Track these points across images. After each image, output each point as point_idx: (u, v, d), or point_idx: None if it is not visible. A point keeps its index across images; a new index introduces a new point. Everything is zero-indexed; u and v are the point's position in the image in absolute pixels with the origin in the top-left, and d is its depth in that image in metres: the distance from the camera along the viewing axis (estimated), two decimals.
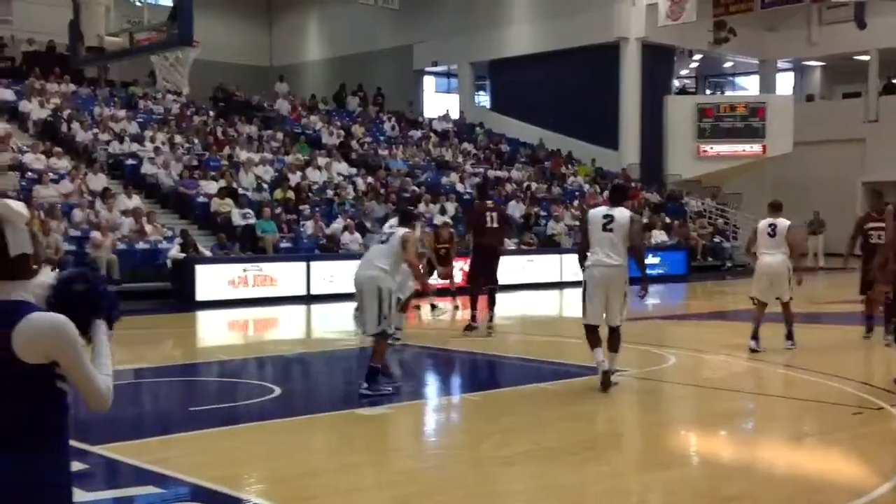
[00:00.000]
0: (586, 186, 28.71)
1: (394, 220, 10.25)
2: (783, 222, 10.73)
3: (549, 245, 23.46)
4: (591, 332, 8.52)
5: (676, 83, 36.50)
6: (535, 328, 15.12)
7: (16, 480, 2.49)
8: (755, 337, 10.76)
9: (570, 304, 19.50)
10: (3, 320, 2.52)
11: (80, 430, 7.32)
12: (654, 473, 6.36)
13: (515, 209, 24.97)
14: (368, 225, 20.18)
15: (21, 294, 2.60)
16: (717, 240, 28.29)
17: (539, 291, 20.48)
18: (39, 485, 2.53)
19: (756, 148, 31.66)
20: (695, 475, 6.29)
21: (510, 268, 21.28)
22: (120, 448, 6.64)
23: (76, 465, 5.92)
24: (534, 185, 27.37)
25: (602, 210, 8.57)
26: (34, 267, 2.69)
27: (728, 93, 38.97)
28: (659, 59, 32.01)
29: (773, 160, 31.93)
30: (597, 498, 5.58)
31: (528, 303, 18.79)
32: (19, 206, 2.68)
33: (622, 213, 8.36)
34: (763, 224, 10.93)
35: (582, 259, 8.61)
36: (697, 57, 35.84)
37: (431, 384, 10.19)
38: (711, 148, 31.85)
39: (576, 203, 26.94)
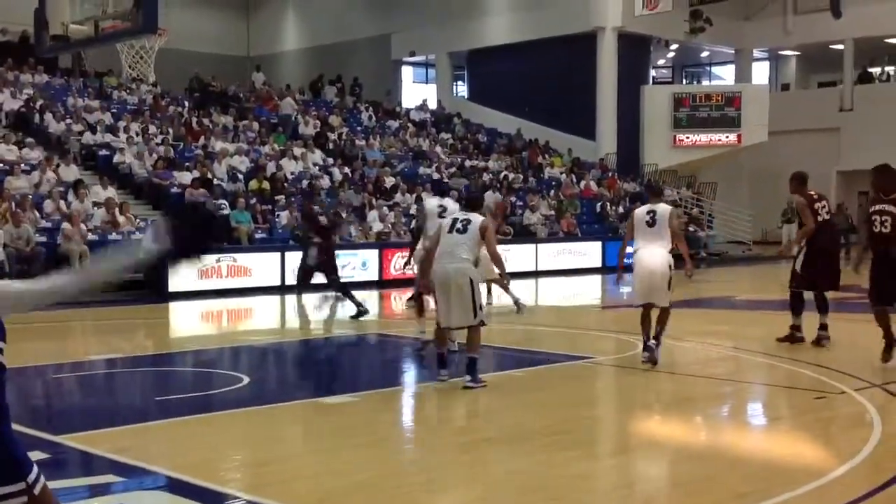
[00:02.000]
0: (563, 176, 28.76)
1: (449, 203, 10.14)
2: (664, 208, 9.30)
3: (524, 235, 23.51)
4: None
5: (653, 73, 36.61)
6: (511, 317, 15.15)
7: None
8: (647, 348, 9.31)
9: (546, 293, 19.65)
10: None
11: (47, 419, 7.33)
12: (616, 458, 6.41)
13: (491, 199, 24.97)
14: (344, 215, 20.13)
15: None
16: (692, 229, 28.42)
17: (514, 281, 20.49)
18: None
19: (731, 137, 31.84)
20: (657, 459, 6.34)
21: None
22: (87, 437, 6.63)
23: (41, 454, 5.94)
24: (510, 176, 27.40)
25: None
26: None
27: (704, 82, 39.14)
28: (635, 49, 32.09)
29: (748, 149, 32.13)
30: (557, 482, 5.61)
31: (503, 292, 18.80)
32: None
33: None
34: (641, 212, 9.42)
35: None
36: (674, 46, 35.95)
37: (402, 372, 10.20)
38: (687, 137, 32.00)
39: (552, 193, 27.00)
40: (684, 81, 39.14)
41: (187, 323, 15.02)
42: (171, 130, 23.49)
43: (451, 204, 10.33)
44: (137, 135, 22.27)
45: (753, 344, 11.01)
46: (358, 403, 7.83)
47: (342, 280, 14.14)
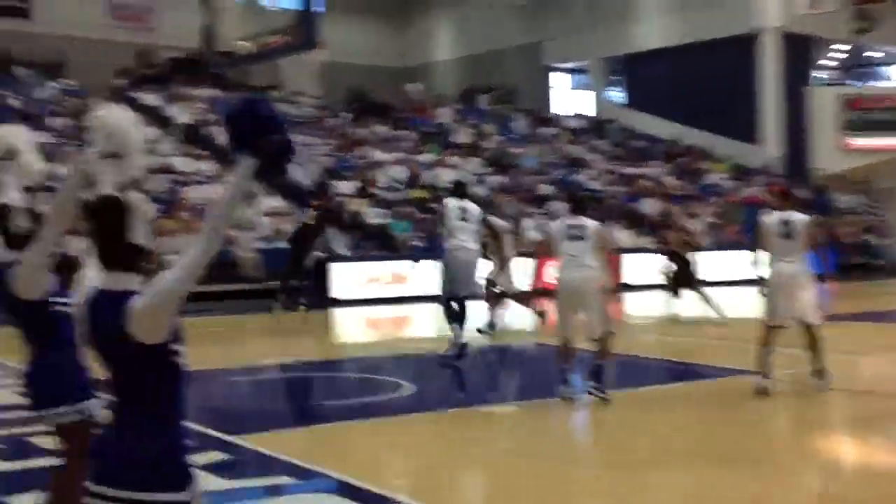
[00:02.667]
0: (725, 183, 27.86)
1: (468, 205, 10.08)
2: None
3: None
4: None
5: (818, 74, 35.02)
6: (674, 328, 14.76)
7: (141, 448, 2.64)
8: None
9: (702, 304, 18.99)
10: (118, 311, 2.60)
11: (223, 420, 7.60)
12: (791, 479, 6.08)
13: (650, 206, 24.49)
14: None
15: (130, 286, 2.69)
16: (866, 237, 27.00)
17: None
18: (156, 453, 2.65)
19: None
20: (833, 479, 5.98)
21: (644, 266, 20.90)
22: (261, 439, 6.83)
23: (217, 455, 6.15)
24: (669, 182, 26.76)
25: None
26: (150, 267, 2.79)
27: (875, 83, 37.12)
28: (799, 50, 30.76)
29: None
30: None
31: (665, 302, 18.35)
32: (147, 205, 2.78)
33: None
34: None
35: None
36: (840, 46, 34.27)
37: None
38: (859, 141, 30.39)
39: (712, 200, 26.20)
40: (852, 82, 37.22)
41: (349, 329, 15.34)
42: (332, 141, 24.15)
43: (470, 206, 10.16)
44: (301, 146, 22.98)
45: None
46: (518, 413, 7.75)
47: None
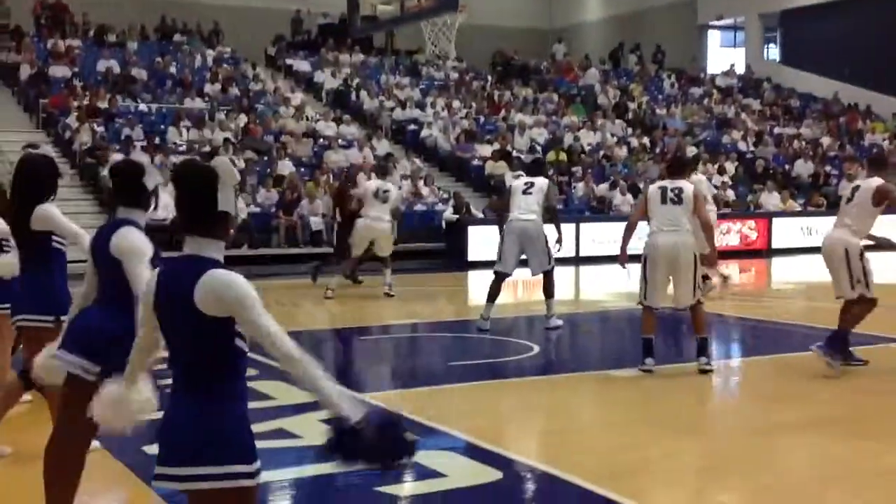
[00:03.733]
0: (885, 143, 26.33)
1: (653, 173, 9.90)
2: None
3: (838, 206, 21.80)
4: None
5: None
6: (819, 294, 14.17)
7: (207, 421, 2.67)
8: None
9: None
10: (190, 278, 2.66)
11: (352, 379, 7.86)
12: None
13: (803, 168, 23.47)
14: (641, 186, 19.77)
15: (212, 252, 2.73)
16: None
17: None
18: (223, 426, 2.68)
19: None
20: None
21: (794, 230, 20.11)
22: (387, 397, 7.02)
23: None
24: (825, 142, 25.53)
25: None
26: (231, 231, 2.82)
27: None
28: None
29: None
30: (861, 476, 5.17)
31: (814, 268, 17.62)
32: (234, 169, 2.83)
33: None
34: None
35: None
36: None
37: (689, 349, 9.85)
38: None
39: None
40: None
41: (484, 291, 15.44)
42: (473, 104, 24.23)
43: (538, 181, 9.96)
44: (443, 109, 23.19)
45: None
46: (645, 378, 7.66)
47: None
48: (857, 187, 8.01)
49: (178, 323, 2.72)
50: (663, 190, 7.81)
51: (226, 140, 18.74)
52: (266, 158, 18.97)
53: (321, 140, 20.56)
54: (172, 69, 22.86)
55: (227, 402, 2.71)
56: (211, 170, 2.75)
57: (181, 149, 18.38)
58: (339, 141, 20.42)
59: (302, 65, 25.88)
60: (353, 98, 23.72)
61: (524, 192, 9.79)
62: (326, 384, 2.61)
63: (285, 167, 18.51)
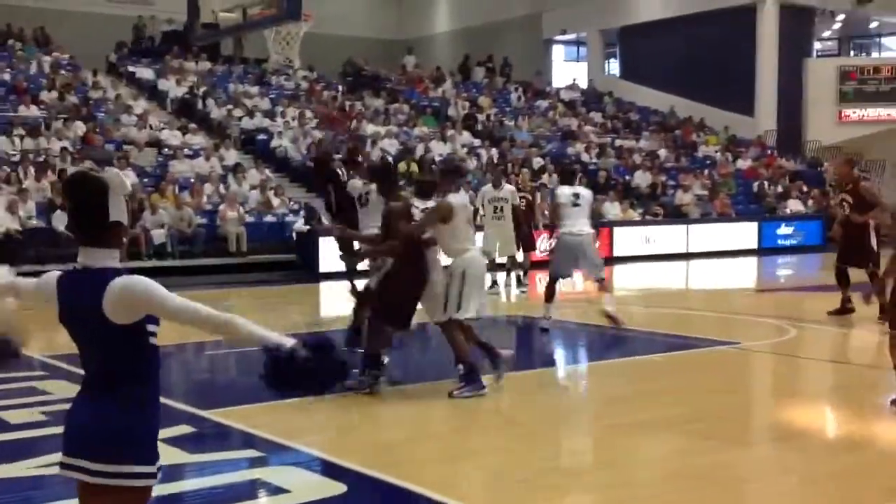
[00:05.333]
0: (718, 155, 27.82)
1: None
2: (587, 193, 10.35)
3: (676, 216, 22.88)
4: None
5: (817, 45, 34.81)
6: (659, 300, 14.83)
7: (116, 422, 2.74)
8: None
9: (697, 276, 19.10)
10: (94, 290, 2.71)
11: (195, 395, 7.67)
12: (761, 447, 6.15)
13: (642, 179, 24.48)
14: None
15: (108, 262, 2.78)
16: None
17: (664, 263, 20.06)
18: (131, 427, 2.76)
19: None
20: (804, 449, 6.03)
21: (634, 238, 20.97)
22: (227, 413, 6.89)
23: (186, 429, 6.22)
24: (662, 154, 26.71)
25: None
26: (124, 239, 2.89)
27: (874, 55, 36.92)
28: (798, 21, 30.56)
29: None
30: (698, 470, 5.44)
31: (653, 274, 18.43)
32: (123, 177, 2.87)
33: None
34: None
35: None
36: (840, 17, 34.05)
37: (542, 354, 10.12)
38: (854, 112, 30.30)
39: (706, 172, 26.18)
40: (852, 53, 37.03)
41: (335, 303, 15.39)
42: (324, 114, 24.11)
43: (583, 191, 10.38)
44: (293, 119, 22.98)
45: None
46: (493, 385, 7.80)
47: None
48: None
49: (87, 333, 2.77)
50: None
51: (63, 149, 17.98)
52: (106, 168, 18.27)
53: (166, 150, 20.01)
54: (6, 75, 21.76)
55: (137, 403, 2.78)
56: (101, 180, 2.79)
57: (14, 158, 17.52)
58: (185, 150, 19.93)
59: (145, 72, 25.13)
60: (199, 106, 23.20)
61: (573, 205, 9.86)
62: (259, 329, 2.78)
63: (127, 177, 17.86)
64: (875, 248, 11.03)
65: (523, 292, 14.54)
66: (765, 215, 23.98)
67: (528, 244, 14.92)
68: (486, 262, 8.07)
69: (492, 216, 14.00)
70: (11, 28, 25.41)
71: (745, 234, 22.92)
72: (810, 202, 25.48)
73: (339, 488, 5.09)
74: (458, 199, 7.47)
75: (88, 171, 2.91)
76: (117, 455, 2.71)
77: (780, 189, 25.82)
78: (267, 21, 11.02)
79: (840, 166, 12.03)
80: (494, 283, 14.21)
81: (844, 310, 11.06)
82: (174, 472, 5.30)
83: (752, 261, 21.23)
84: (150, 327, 2.77)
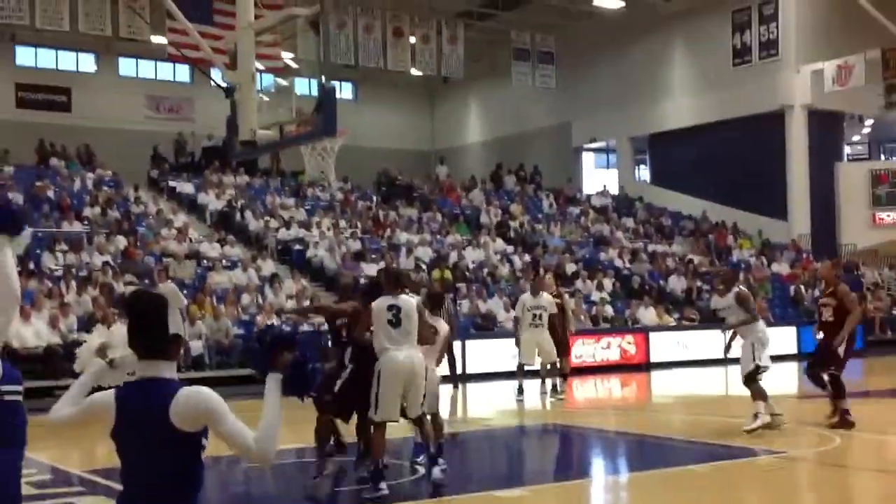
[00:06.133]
0: (752, 259, 27.75)
1: None
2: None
3: (712, 320, 22.68)
4: None
5: (848, 149, 35.02)
6: (697, 407, 14.61)
7: None
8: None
9: (737, 382, 18.83)
10: (162, 398, 2.84)
11: None
12: None
13: (676, 283, 24.43)
14: None
15: (167, 373, 2.93)
16: None
17: (701, 368, 19.83)
18: None
19: None
20: None
21: (670, 343, 20.79)
22: None
23: None
24: (696, 259, 26.70)
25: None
26: (181, 351, 3.05)
27: None
28: (827, 126, 30.84)
29: None
30: None
31: (690, 380, 18.22)
32: (180, 294, 3.06)
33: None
34: None
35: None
36: (869, 122, 34.35)
37: (576, 464, 9.97)
38: (889, 216, 30.24)
39: (741, 276, 26.06)
40: (882, 157, 37.18)
41: None
42: (359, 224, 24.50)
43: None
44: (329, 229, 23.35)
45: None
46: (531, 498, 7.70)
47: None
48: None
49: (142, 442, 2.85)
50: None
51: (105, 264, 18.35)
52: (147, 281, 18.60)
53: (204, 261, 20.35)
54: (50, 193, 22.42)
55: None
56: (160, 297, 2.96)
57: (57, 273, 17.90)
58: (224, 262, 20.26)
59: (185, 186, 25.78)
60: (237, 219, 23.68)
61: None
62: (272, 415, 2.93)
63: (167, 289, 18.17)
64: (842, 354, 10.69)
65: (561, 399, 14.43)
66: (803, 319, 23.73)
67: (564, 349, 14.87)
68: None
69: (529, 323, 14.05)
70: (55, 147, 26.29)
71: (783, 338, 22.63)
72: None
73: None
74: (379, 302, 7.49)
75: (146, 290, 3.12)
76: None
77: (817, 293, 25.58)
78: (303, 137, 11.36)
79: (825, 269, 11.98)
80: (521, 389, 14.14)
81: (845, 422, 10.55)
82: None
83: (793, 366, 20.91)
84: (204, 441, 2.87)
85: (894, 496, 7.92)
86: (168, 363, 2.92)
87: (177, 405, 2.80)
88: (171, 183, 26.03)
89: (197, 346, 16.65)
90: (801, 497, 8.35)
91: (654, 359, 20.24)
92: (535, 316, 14.02)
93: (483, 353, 18.05)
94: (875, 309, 25.74)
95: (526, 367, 14.30)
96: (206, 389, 2.88)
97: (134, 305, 2.97)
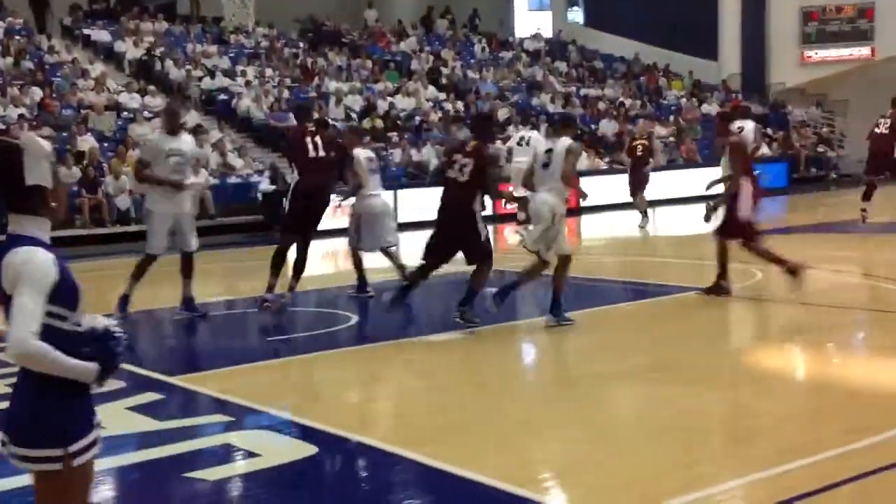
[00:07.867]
0: (683, 101, 27.82)
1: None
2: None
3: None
4: None
5: None
6: (624, 248, 14.90)
7: (30, 407, 2.69)
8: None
9: (662, 223, 19.19)
10: (1, 256, 2.65)
11: (162, 361, 7.62)
12: (725, 392, 6.22)
13: (608, 127, 24.45)
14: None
15: (32, 229, 2.68)
16: (821, 149, 27.21)
17: (630, 211, 20.12)
18: (37, 413, 2.70)
19: (864, 51, 30.01)
20: (767, 392, 6.11)
21: (601, 187, 20.95)
22: (197, 378, 6.86)
23: (154, 396, 6.18)
24: (627, 102, 26.67)
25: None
26: (52, 204, 2.75)
27: None
28: None
29: (883, 63, 30.23)
30: (662, 419, 5.49)
31: (618, 223, 18.50)
32: (43, 142, 2.77)
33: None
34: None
35: None
36: None
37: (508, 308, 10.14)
38: (816, 53, 30.36)
39: (671, 119, 26.19)
40: None
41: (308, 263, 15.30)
42: (286, 72, 23.80)
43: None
44: (255, 78, 22.65)
45: (883, 269, 10.47)
46: (462, 341, 7.83)
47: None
48: (551, 150, 8.18)
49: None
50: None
51: (20, 116, 17.63)
52: (65, 134, 17.98)
53: (125, 113, 19.68)
54: None
55: (44, 383, 2.67)
56: (13, 144, 2.71)
57: None
58: (145, 113, 19.61)
59: (101, 34, 24.61)
60: (157, 68, 22.80)
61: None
62: (65, 360, 2.63)
63: (86, 143, 17.61)
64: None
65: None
66: None
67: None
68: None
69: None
70: None
71: (710, 179, 22.95)
72: (775, 145, 25.62)
73: (309, 450, 5.09)
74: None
75: (1, 138, 2.83)
76: (23, 439, 2.68)
77: None
78: None
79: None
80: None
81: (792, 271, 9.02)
82: (144, 440, 5.28)
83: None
84: (56, 309, 2.62)
85: (811, 326, 8.21)
86: (32, 218, 2.68)
87: (6, 266, 2.62)
88: (86, 31, 24.82)
89: (123, 201, 16.28)
90: (717, 329, 8.62)
91: (586, 203, 20.40)
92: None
93: (416, 203, 18.00)
94: (801, 146, 26.22)
95: None
96: (34, 256, 2.61)
97: None
